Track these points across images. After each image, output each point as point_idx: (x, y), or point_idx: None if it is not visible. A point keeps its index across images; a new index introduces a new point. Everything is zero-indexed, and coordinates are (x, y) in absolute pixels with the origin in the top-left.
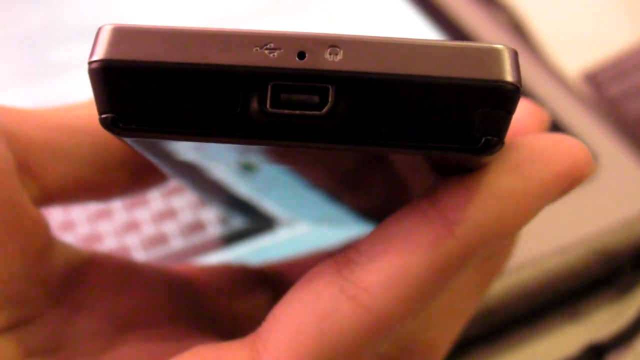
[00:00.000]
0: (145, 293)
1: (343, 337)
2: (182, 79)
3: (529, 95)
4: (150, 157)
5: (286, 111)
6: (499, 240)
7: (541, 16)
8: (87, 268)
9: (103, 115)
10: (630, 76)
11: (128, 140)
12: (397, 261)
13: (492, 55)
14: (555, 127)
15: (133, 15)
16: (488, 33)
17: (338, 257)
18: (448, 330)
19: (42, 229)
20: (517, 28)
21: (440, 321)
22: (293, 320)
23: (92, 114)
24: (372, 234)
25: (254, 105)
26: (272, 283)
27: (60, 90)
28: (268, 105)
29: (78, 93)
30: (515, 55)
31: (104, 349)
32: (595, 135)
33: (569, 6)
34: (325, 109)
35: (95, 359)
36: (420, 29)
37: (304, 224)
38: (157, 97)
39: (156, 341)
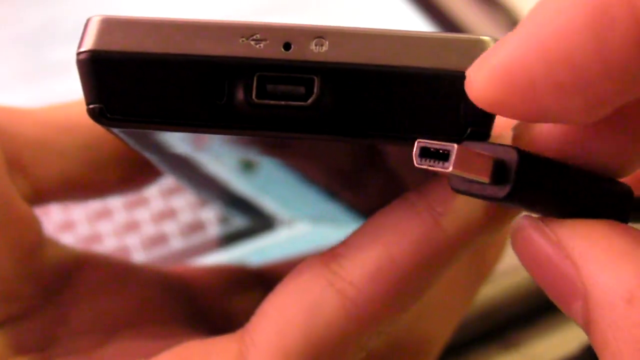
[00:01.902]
0: (139, 292)
1: (330, 330)
2: (169, 70)
3: None
4: (143, 151)
5: (272, 102)
6: (486, 232)
7: None
8: (80, 267)
9: (91, 106)
10: None
11: (117, 131)
12: (383, 253)
13: (478, 46)
14: None
15: (132, 15)
16: (488, 33)
17: (326, 251)
18: (441, 326)
19: (33, 225)
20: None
21: (432, 317)
22: (280, 314)
23: (83, 112)
24: (360, 227)
25: (240, 95)
26: (271, 283)
27: (60, 90)
28: (254, 96)
29: (78, 93)
30: None
31: (95, 347)
32: None
33: None
34: (310, 100)
35: (86, 357)
36: (419, 29)
37: (304, 223)
38: (143, 88)
39: (148, 339)
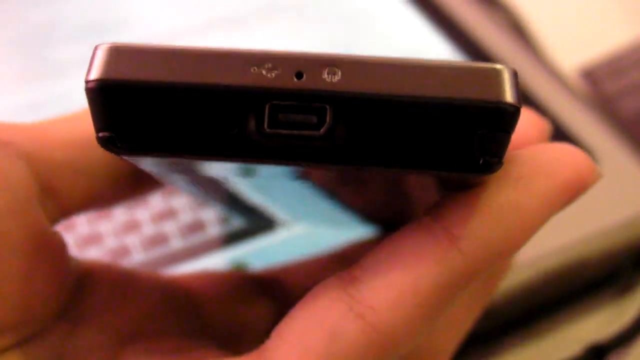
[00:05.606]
0: (146, 304)
1: (351, 356)
2: (178, 99)
3: (529, 95)
4: (147, 169)
5: (284, 131)
6: (505, 255)
7: (539, 14)
8: (87, 280)
9: (100, 134)
10: (627, 74)
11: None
12: (403, 278)
13: (492, 75)
14: (555, 126)
15: (132, 15)
16: (488, 33)
17: (342, 274)
18: (450, 339)
19: (60, 251)
20: (516, 27)
21: (443, 331)
22: (300, 339)
23: None
24: (375, 250)
25: (252, 125)
26: (272, 289)
27: (60, 90)
28: (266, 126)
29: (78, 93)
30: (514, 75)
31: None
32: (594, 134)
33: (567, 4)
34: (323, 129)
35: None
36: (419, 29)
37: (303, 225)
38: (154, 117)
39: (158, 353)
